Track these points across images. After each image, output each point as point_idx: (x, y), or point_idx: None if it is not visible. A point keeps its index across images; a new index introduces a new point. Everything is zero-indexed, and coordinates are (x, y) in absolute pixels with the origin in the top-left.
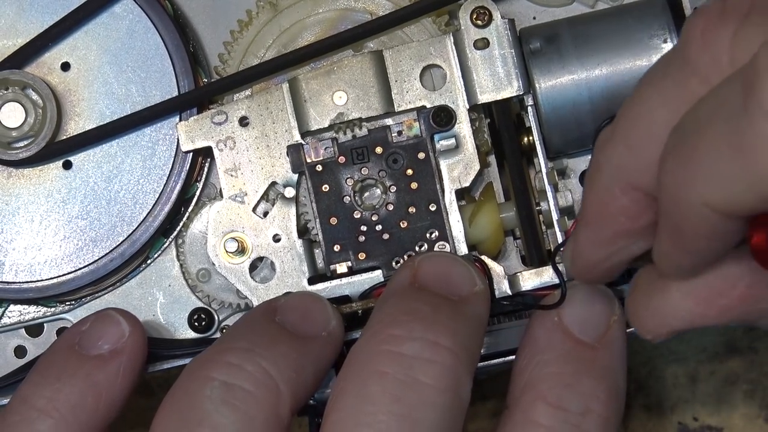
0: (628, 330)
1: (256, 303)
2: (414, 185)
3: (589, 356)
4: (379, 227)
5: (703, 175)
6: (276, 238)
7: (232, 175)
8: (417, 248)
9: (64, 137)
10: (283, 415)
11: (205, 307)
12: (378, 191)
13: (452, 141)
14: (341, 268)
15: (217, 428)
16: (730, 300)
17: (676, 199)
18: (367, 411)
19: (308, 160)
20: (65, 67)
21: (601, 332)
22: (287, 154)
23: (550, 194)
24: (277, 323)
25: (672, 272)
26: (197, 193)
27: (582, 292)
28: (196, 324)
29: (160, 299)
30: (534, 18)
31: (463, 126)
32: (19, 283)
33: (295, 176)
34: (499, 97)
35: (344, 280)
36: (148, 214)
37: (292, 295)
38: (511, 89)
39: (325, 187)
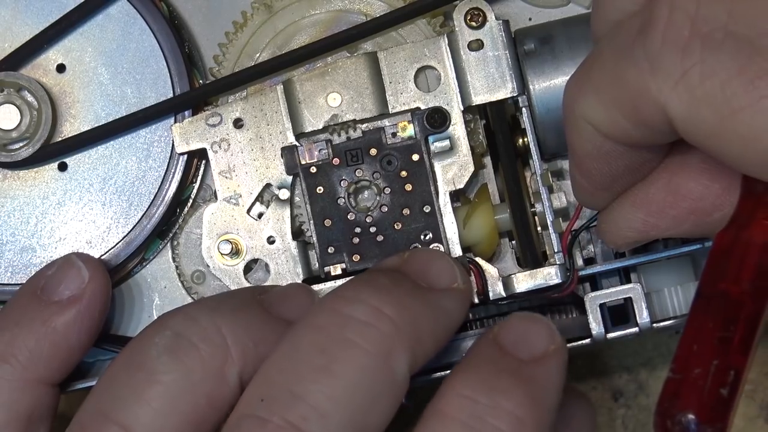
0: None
1: None
2: (408, 187)
3: (514, 365)
4: (373, 229)
5: (588, 91)
6: (270, 240)
7: (226, 177)
8: None
9: (60, 139)
10: (229, 378)
11: None
12: (372, 193)
13: (447, 143)
14: (336, 270)
15: (153, 374)
16: (680, 211)
17: (566, 113)
18: (292, 358)
19: (302, 162)
20: (60, 68)
21: (534, 355)
22: (281, 156)
23: (544, 196)
24: (255, 299)
25: (578, 195)
26: (193, 194)
27: (521, 317)
28: None
29: (156, 300)
30: (530, 19)
31: (458, 127)
32: (16, 284)
33: (290, 178)
34: (493, 99)
35: (339, 282)
36: (143, 216)
37: (286, 284)
38: (506, 90)
39: (320, 189)
